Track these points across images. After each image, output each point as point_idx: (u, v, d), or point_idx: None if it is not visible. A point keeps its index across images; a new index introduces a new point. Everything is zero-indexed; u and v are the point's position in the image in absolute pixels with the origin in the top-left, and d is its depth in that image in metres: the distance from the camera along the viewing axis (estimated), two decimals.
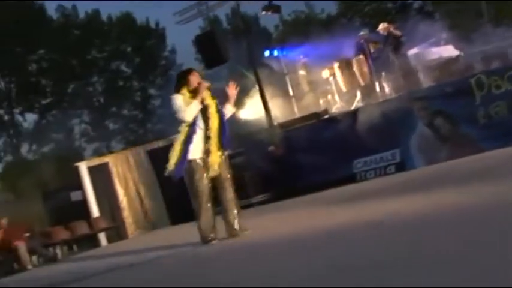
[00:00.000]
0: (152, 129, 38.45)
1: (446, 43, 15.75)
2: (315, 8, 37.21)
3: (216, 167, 7.38)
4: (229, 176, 7.62)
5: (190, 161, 7.33)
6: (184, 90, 7.39)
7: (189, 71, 7.72)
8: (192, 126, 7.30)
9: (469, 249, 3.52)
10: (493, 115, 11.46)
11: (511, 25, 31.79)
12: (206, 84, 7.41)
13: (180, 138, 7.33)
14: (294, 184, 13.40)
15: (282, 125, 14.22)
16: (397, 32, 14.74)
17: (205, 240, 7.36)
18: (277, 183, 13.59)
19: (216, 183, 7.49)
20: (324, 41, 17.88)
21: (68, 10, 38.06)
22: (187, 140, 7.30)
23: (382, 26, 14.83)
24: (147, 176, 15.88)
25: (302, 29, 31.64)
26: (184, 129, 7.32)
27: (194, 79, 7.46)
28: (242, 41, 17.64)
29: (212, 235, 7.38)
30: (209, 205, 7.40)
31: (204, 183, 7.32)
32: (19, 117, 35.87)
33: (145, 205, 15.83)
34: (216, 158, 7.37)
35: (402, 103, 12.47)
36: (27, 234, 13.94)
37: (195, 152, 7.29)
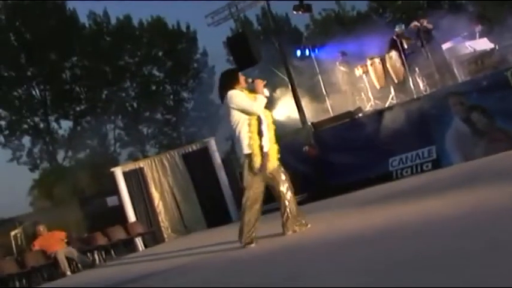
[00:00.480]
0: (185, 132, 38.68)
1: (480, 36, 15.55)
2: (345, 6, 37.02)
3: (276, 158, 7.41)
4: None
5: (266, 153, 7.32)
6: (239, 87, 7.46)
7: (237, 70, 7.92)
8: (259, 118, 7.32)
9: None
10: None
11: None
12: (263, 81, 7.59)
13: (250, 131, 7.24)
14: (329, 184, 13.36)
15: (316, 125, 14.18)
16: (429, 25, 14.61)
17: (246, 242, 7.33)
18: (313, 184, 13.55)
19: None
20: (355, 38, 17.82)
21: (99, 16, 38.46)
22: (260, 133, 7.28)
23: (414, 22, 14.72)
24: (182, 180, 15.98)
25: (333, 28, 31.55)
26: (252, 122, 7.27)
27: (242, 77, 7.58)
28: (273, 41, 17.65)
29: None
30: None
31: None
32: (54, 125, 36.31)
33: (181, 209, 15.91)
34: (275, 149, 7.43)
35: (437, 99, 12.34)
36: (65, 241, 14.10)
37: (266, 144, 7.27)
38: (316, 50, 17.47)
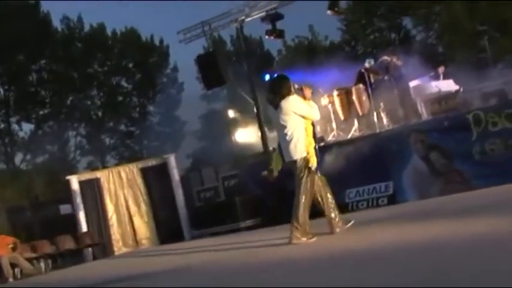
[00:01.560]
0: (148, 146, 38.40)
1: (447, 77, 15.79)
2: (318, 34, 37.30)
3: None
4: None
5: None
6: (291, 93, 7.97)
7: (288, 77, 8.36)
8: (313, 123, 8.20)
9: None
10: (488, 152, 11.45)
11: (508, 64, 32.08)
12: (310, 88, 8.33)
13: (305, 133, 7.95)
14: (284, 210, 13.31)
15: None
16: (398, 62, 14.79)
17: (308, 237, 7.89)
18: (268, 209, 13.54)
19: None
20: (325, 68, 17.94)
21: (72, 22, 38.20)
22: (315, 137, 8.18)
23: (384, 57, 14.88)
24: (138, 194, 15.82)
25: (305, 55, 31.80)
26: (308, 127, 8.01)
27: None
28: (244, 63, 17.70)
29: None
30: None
31: None
32: (15, 126, 35.83)
33: (134, 223, 15.73)
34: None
35: (398, 135, 12.47)
36: (11, 247, 13.81)
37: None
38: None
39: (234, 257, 8.28)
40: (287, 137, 7.92)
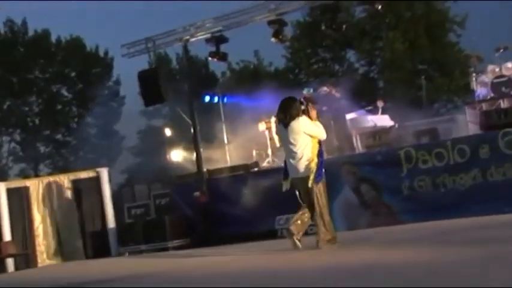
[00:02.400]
0: (83, 157, 37.72)
1: (384, 112, 16.12)
2: (263, 60, 37.58)
3: None
4: None
5: (325, 171, 8.82)
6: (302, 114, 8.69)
7: (296, 99, 9.15)
8: (320, 141, 8.82)
9: None
10: (416, 188, 11.69)
11: (445, 103, 32.99)
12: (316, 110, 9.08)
13: (311, 151, 8.63)
14: (214, 233, 13.33)
15: (211, 172, 14.19)
16: (337, 94, 15.01)
17: (333, 241, 8.66)
18: (197, 230, 13.51)
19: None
20: (266, 94, 18.06)
21: (16, 25, 37.51)
22: (320, 154, 8.78)
23: (324, 88, 15.07)
24: (67, 206, 15.48)
25: (248, 80, 31.96)
26: (314, 145, 8.68)
27: None
28: (186, 83, 17.64)
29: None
30: None
31: None
32: None
33: (60, 236, 15.38)
34: None
35: (331, 165, 12.58)
36: None
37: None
38: (225, 99, 17.59)
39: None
40: (296, 155, 8.65)
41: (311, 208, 8.79)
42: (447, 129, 15.96)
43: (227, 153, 16.02)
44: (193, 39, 15.28)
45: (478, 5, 28.33)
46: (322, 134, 8.86)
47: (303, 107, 8.89)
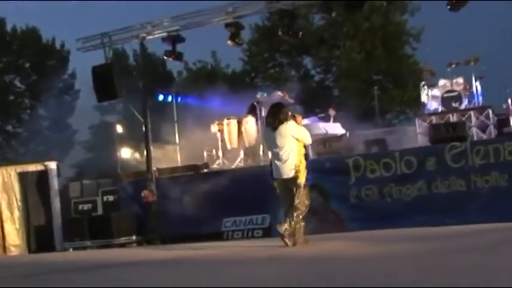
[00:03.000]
0: (34, 150, 37.11)
1: (336, 120, 16.26)
2: (220, 62, 37.50)
3: None
4: None
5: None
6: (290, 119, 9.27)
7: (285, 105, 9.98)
8: (305, 146, 9.47)
9: None
10: (363, 197, 11.80)
11: (397, 114, 33.44)
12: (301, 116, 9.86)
13: (299, 154, 9.17)
14: (161, 232, 13.25)
15: (160, 171, 14.08)
16: (291, 100, 15.05)
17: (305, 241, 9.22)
18: (144, 229, 13.40)
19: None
20: (221, 95, 18.05)
21: None
22: (306, 158, 9.47)
23: (278, 92, 15.09)
24: (12, 198, 15.17)
25: (205, 80, 31.88)
26: (299, 148, 9.21)
27: None
28: (139, 80, 17.46)
29: None
30: None
31: None
32: None
33: (4, 229, 15.04)
34: None
35: None
36: None
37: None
38: (179, 98, 17.49)
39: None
40: (283, 157, 9.14)
41: (291, 208, 9.17)
42: (397, 140, 16.17)
43: (178, 153, 15.90)
44: (149, 37, 15.14)
45: (434, 19, 28.72)
46: (308, 139, 9.48)
47: (290, 113, 9.47)
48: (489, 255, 6.63)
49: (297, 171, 9.11)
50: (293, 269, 6.86)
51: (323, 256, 8.17)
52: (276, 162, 9.27)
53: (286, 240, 9.12)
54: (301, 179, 9.18)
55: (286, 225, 9.08)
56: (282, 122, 9.18)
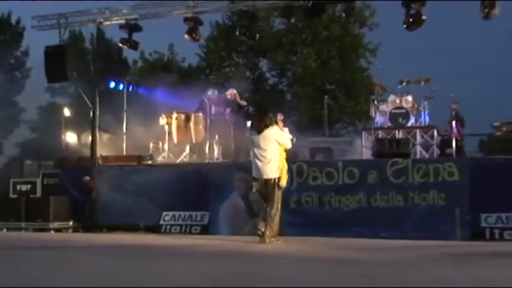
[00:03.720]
0: None
1: (284, 125, 16.31)
2: (177, 55, 37.25)
3: None
4: None
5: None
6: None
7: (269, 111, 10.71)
8: (286, 150, 10.23)
9: None
10: (303, 203, 11.87)
11: (346, 125, 33.81)
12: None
13: (281, 157, 10.00)
14: (99, 220, 13.10)
15: (104, 159, 13.91)
16: (243, 102, 15.05)
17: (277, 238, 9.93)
18: (81, 215, 13.23)
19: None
20: (174, 88, 17.94)
21: None
22: (287, 161, 10.23)
23: (230, 91, 15.07)
24: None
25: (159, 72, 31.65)
26: (281, 152, 10.04)
27: None
28: (94, 65, 17.22)
29: None
30: None
31: None
32: None
33: None
34: None
35: (225, 169, 12.65)
36: None
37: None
38: (131, 88, 17.31)
39: None
40: (265, 159, 9.86)
41: (270, 209, 9.89)
42: (343, 150, 16.41)
43: (124, 142, 15.70)
44: (107, 23, 14.97)
45: (391, 36, 29.18)
46: (289, 144, 10.28)
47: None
48: (408, 269, 6.89)
49: (279, 174, 9.89)
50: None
51: (253, 255, 8.22)
52: (258, 163, 9.95)
53: (265, 239, 9.72)
54: (283, 182, 10.02)
55: (264, 226, 9.79)
56: (267, 127, 9.91)
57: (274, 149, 9.91)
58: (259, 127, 9.97)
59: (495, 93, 46.66)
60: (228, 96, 15.03)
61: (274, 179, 9.88)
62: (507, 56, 49.92)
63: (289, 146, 10.29)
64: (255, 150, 10.00)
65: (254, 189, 10.26)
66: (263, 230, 9.79)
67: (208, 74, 35.08)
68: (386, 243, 10.28)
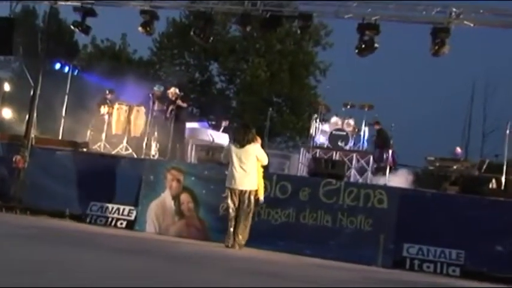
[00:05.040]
0: None
1: (224, 131, 16.31)
2: (129, 46, 36.75)
3: None
4: None
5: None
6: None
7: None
8: (263, 166, 10.82)
9: None
10: None
11: (287, 140, 33.98)
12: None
13: (258, 173, 10.57)
14: (25, 202, 12.76)
15: (38, 140, 13.55)
16: (183, 104, 14.88)
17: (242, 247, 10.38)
18: (7, 195, 12.85)
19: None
20: (121, 79, 17.70)
21: None
22: (264, 176, 10.84)
23: (173, 90, 14.89)
24: None
25: (108, 60, 31.24)
26: (259, 168, 10.61)
27: None
28: (42, 43, 16.82)
29: None
30: None
31: None
32: None
33: None
34: None
35: (159, 167, 12.50)
36: None
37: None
38: (77, 72, 16.98)
39: None
40: (244, 172, 10.34)
41: (244, 220, 10.35)
42: (280, 164, 16.44)
43: (61, 126, 15.36)
44: (61, 3, 14.68)
45: (342, 59, 29.55)
46: (266, 160, 10.71)
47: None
48: None
49: (257, 187, 10.47)
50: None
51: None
52: (236, 173, 10.37)
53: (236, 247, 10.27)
54: (261, 196, 10.67)
55: (234, 240, 10.29)
56: (250, 142, 10.44)
57: (253, 164, 10.40)
58: (242, 141, 10.45)
59: (435, 126, 47.70)
60: (170, 95, 14.87)
61: (249, 192, 10.34)
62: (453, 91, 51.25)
63: (266, 162, 10.73)
64: (235, 161, 10.40)
65: (226, 200, 10.54)
66: (231, 243, 10.27)
67: (157, 69, 34.73)
68: (309, 260, 10.33)
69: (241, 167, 10.37)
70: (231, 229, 10.34)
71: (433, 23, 12.37)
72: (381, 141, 16.22)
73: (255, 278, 7.06)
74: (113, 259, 6.90)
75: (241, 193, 10.37)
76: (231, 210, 10.42)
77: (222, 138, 15.31)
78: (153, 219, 12.12)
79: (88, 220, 12.32)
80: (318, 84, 34.68)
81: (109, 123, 14.39)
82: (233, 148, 10.53)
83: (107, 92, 15.56)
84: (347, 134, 17.00)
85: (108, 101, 15.22)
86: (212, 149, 13.46)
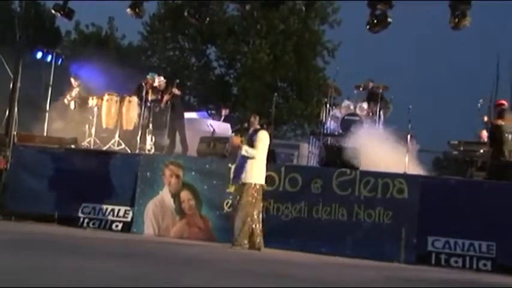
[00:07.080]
0: None
1: (226, 120, 16.26)
2: (117, 30, 36.60)
3: None
4: None
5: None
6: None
7: None
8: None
9: None
10: None
11: (294, 128, 33.92)
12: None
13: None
14: (8, 206, 12.76)
15: (21, 137, 13.53)
16: (177, 92, 14.82)
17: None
18: None
19: None
20: (109, 67, 17.60)
21: None
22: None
23: (158, 79, 14.81)
24: None
25: (95, 47, 31.15)
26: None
27: None
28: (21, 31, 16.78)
29: None
30: None
31: None
32: None
33: None
34: None
35: (156, 162, 12.48)
36: None
37: None
38: (60, 61, 16.91)
39: None
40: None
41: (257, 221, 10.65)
42: (288, 154, 16.36)
43: (46, 121, 15.28)
44: None
45: (352, 37, 29.48)
46: (254, 153, 10.81)
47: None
48: None
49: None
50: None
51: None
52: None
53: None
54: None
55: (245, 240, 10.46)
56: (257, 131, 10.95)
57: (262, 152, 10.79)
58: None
59: (454, 110, 47.69)
60: (162, 84, 14.81)
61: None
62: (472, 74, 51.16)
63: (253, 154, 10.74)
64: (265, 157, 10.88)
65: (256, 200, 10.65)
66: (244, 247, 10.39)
67: (149, 55, 34.66)
68: (325, 259, 10.30)
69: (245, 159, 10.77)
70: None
71: None
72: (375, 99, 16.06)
73: (268, 279, 7.05)
74: (106, 266, 6.87)
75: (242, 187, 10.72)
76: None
77: (223, 129, 15.26)
78: (151, 219, 12.13)
79: (79, 223, 12.32)
80: (326, 66, 34.53)
81: (98, 117, 14.29)
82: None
83: (72, 79, 15.34)
84: (360, 118, 16.84)
85: (75, 90, 15.06)
86: (213, 140, 13.39)
